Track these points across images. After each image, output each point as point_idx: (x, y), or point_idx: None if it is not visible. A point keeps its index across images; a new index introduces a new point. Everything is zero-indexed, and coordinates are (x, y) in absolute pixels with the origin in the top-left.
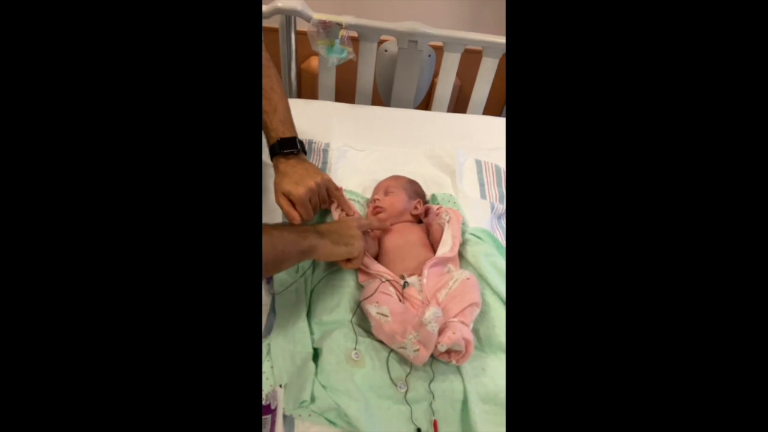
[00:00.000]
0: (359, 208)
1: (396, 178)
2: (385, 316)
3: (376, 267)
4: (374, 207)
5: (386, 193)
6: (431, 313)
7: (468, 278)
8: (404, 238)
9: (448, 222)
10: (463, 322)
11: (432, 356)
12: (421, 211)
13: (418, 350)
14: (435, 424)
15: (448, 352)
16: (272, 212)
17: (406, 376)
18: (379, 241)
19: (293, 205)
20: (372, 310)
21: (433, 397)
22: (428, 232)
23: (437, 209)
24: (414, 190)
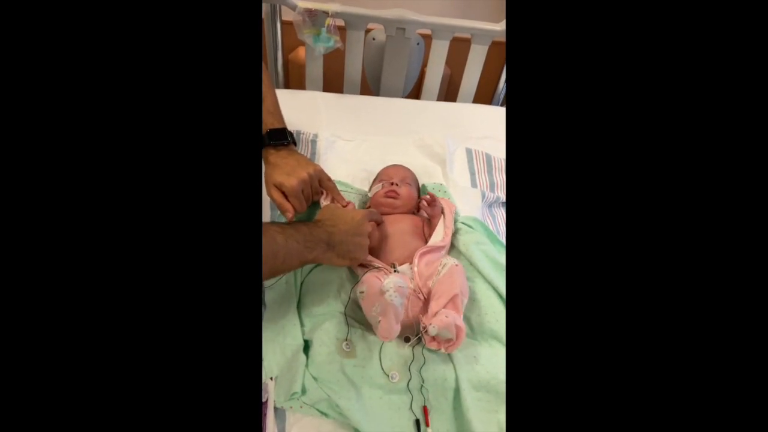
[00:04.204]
0: (351, 199)
1: (408, 170)
2: (362, 293)
3: (370, 258)
4: (390, 191)
5: (404, 183)
6: (390, 280)
7: (456, 265)
8: (394, 228)
9: (442, 212)
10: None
11: (423, 345)
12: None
13: (379, 322)
14: (425, 411)
15: (437, 340)
16: (262, 204)
17: (399, 366)
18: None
19: (285, 196)
20: (357, 290)
21: (423, 382)
22: (424, 221)
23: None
24: (417, 187)
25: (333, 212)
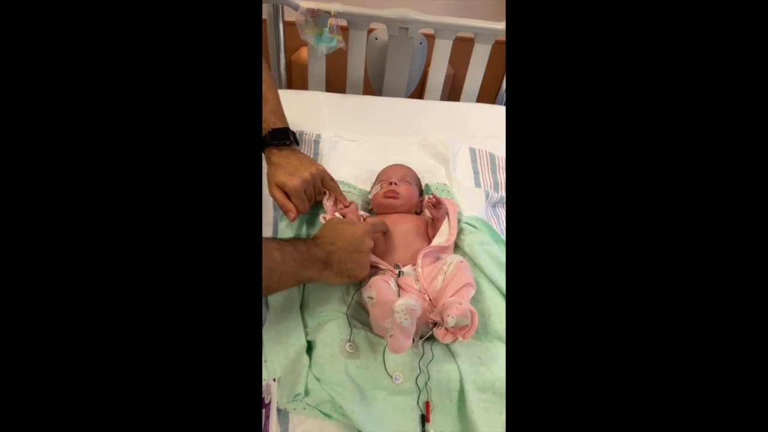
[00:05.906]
0: (354, 199)
1: (408, 169)
2: (371, 298)
3: (373, 259)
4: (389, 191)
5: (404, 182)
6: (402, 303)
7: (461, 261)
8: (397, 228)
9: (447, 214)
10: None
11: (432, 340)
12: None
13: (391, 336)
14: (427, 406)
15: (452, 330)
16: (264, 204)
17: (403, 367)
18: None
19: (288, 196)
20: (364, 294)
21: (429, 377)
22: (427, 222)
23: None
24: (419, 185)
25: (333, 228)
